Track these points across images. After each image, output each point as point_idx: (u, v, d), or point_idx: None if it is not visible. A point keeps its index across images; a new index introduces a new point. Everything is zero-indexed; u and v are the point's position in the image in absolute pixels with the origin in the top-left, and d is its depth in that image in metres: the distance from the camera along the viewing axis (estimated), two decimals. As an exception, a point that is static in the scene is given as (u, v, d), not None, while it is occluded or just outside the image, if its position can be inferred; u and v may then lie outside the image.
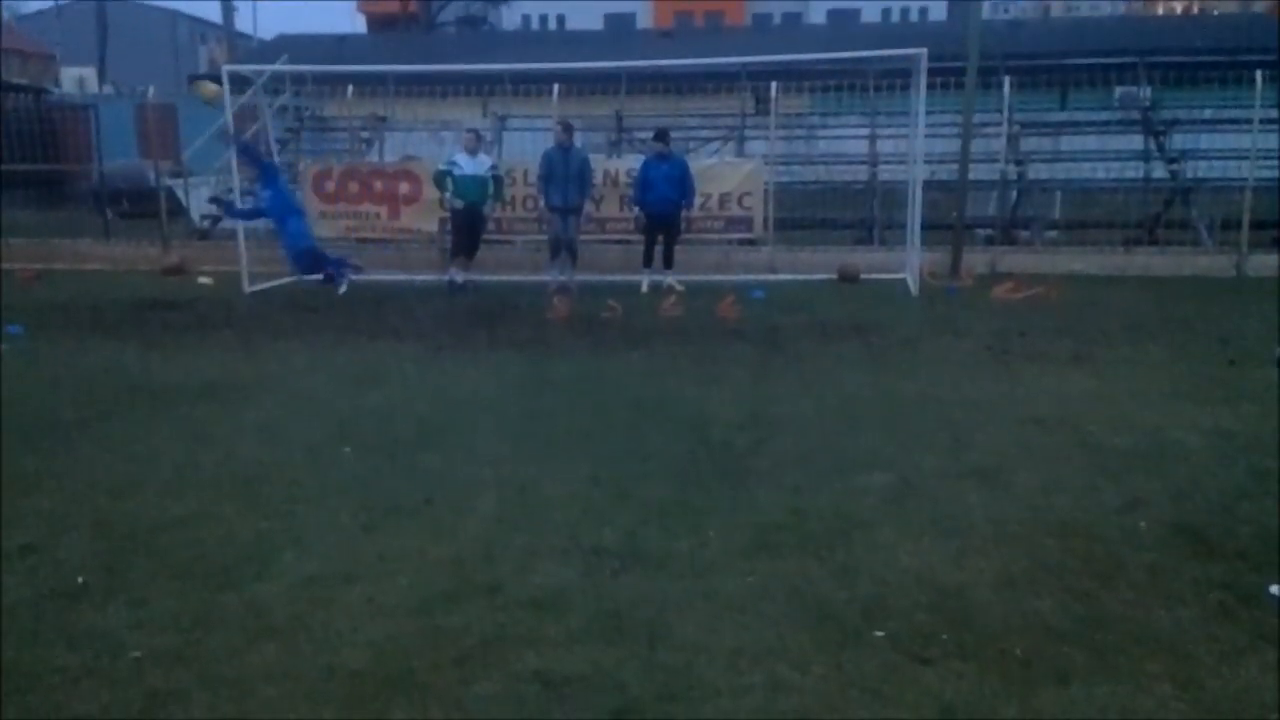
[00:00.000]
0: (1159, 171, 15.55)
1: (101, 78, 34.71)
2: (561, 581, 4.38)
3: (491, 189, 13.14)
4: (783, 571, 4.47)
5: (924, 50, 12.16)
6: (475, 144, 13.13)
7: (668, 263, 13.15)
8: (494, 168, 13.30)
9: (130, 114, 21.59)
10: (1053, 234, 15.77)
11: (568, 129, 13.12)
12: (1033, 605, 4.14)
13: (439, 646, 3.84)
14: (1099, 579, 4.37)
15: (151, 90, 17.31)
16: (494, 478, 5.73)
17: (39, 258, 15.22)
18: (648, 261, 13.19)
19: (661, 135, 13.13)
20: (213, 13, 44.65)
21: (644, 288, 12.89)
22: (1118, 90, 19.39)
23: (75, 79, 33.97)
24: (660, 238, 13.11)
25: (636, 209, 13.25)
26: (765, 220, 14.48)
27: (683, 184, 12.97)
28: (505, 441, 6.46)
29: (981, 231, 15.53)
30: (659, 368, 8.62)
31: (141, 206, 17.61)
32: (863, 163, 16.26)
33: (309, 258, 11.92)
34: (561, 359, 9.00)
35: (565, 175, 12.81)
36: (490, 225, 13.97)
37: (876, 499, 5.37)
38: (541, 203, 13.19)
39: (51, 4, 53.33)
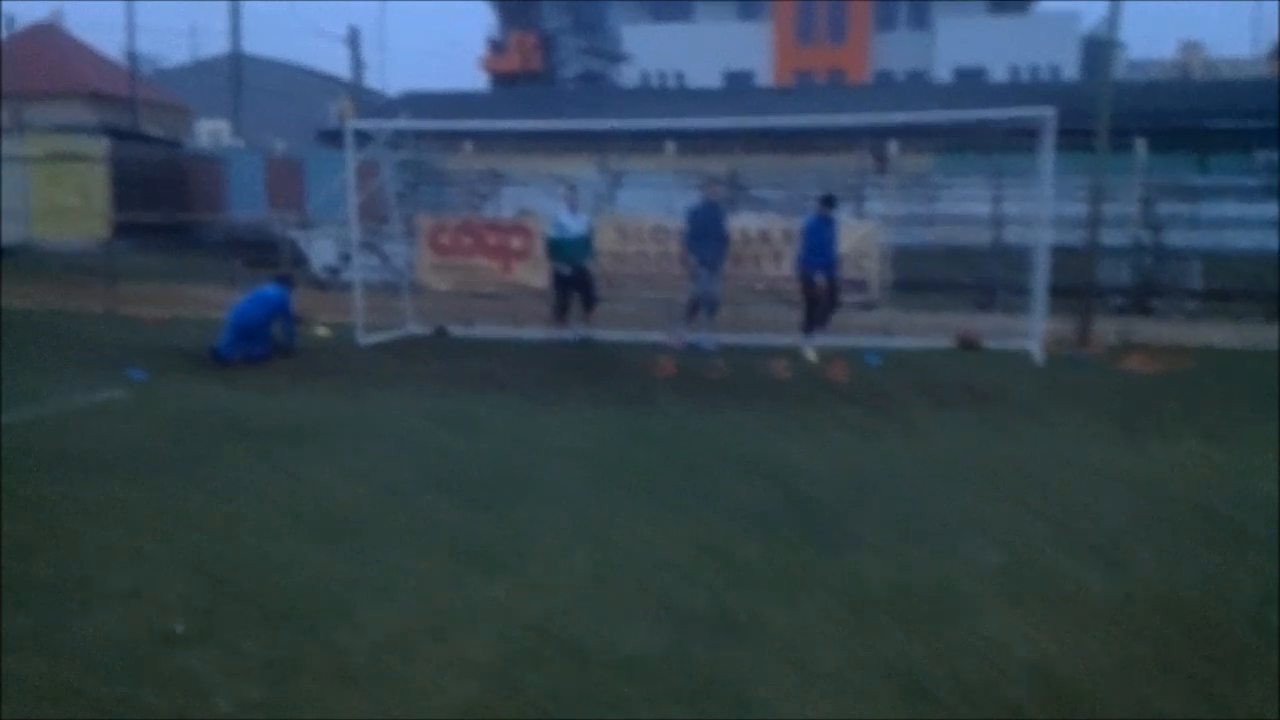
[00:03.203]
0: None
1: (234, 130, 36.38)
2: (649, 645, 4.28)
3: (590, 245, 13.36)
4: (880, 647, 4.28)
5: (1052, 110, 11.83)
6: (575, 199, 13.28)
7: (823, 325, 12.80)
8: (588, 223, 13.48)
9: (260, 166, 22.42)
10: (1191, 304, 15.08)
11: (717, 185, 13.08)
12: (1152, 699, 3.87)
13: (522, 707, 3.78)
14: (1226, 673, 4.08)
15: (281, 145, 17.99)
16: (587, 534, 5.67)
17: (167, 303, 15.81)
18: (809, 327, 12.66)
19: (830, 200, 12.91)
20: (345, 69, 46.76)
21: (811, 356, 12.15)
22: (1260, 155, 18.66)
23: (210, 131, 35.62)
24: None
25: (806, 272, 12.67)
26: (882, 283, 14.22)
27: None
28: (600, 497, 6.40)
29: (1113, 299, 14.95)
30: (766, 428, 8.47)
31: (266, 256, 18.24)
32: (986, 224, 15.89)
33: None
34: (668, 416, 8.92)
35: (713, 232, 12.77)
36: (603, 284, 14.05)
37: (985, 574, 5.12)
38: (680, 262, 12.97)
39: (191, 60, 56.61)
